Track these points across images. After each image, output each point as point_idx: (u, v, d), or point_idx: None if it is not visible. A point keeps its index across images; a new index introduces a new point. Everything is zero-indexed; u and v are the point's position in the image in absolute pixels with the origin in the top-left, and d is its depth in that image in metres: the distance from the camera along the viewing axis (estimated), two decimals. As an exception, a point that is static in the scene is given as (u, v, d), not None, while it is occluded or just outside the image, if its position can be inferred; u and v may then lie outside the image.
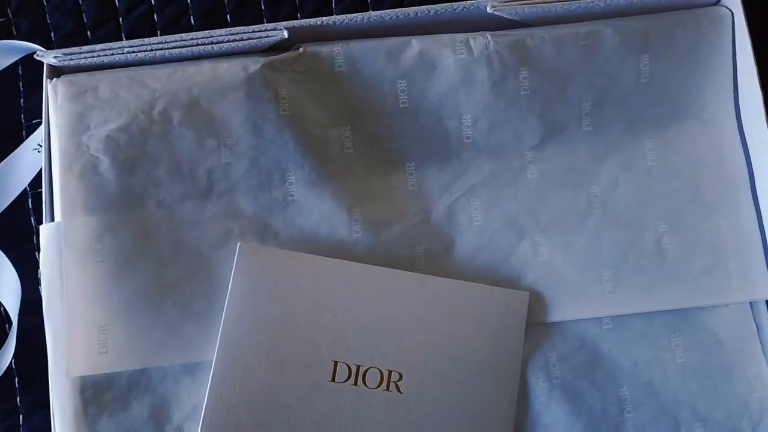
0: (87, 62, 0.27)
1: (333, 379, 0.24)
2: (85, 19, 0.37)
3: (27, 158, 0.35)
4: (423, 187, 0.28)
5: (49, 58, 0.27)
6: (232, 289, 0.25)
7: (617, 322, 0.27)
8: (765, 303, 0.27)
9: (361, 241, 0.27)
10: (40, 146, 0.35)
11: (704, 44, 0.27)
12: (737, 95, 0.28)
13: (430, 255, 0.27)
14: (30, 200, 0.36)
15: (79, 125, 0.26)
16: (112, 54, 0.27)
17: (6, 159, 0.35)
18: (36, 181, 0.36)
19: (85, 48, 0.27)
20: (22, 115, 0.37)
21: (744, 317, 0.27)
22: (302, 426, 0.24)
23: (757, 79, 0.26)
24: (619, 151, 0.28)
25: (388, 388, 0.24)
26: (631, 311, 0.27)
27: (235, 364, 0.24)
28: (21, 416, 0.34)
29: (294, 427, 0.24)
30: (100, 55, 0.27)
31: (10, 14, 0.37)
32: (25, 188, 0.36)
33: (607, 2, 0.27)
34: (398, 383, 0.24)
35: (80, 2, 0.37)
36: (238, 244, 0.24)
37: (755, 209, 0.27)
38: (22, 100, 0.37)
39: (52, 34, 0.37)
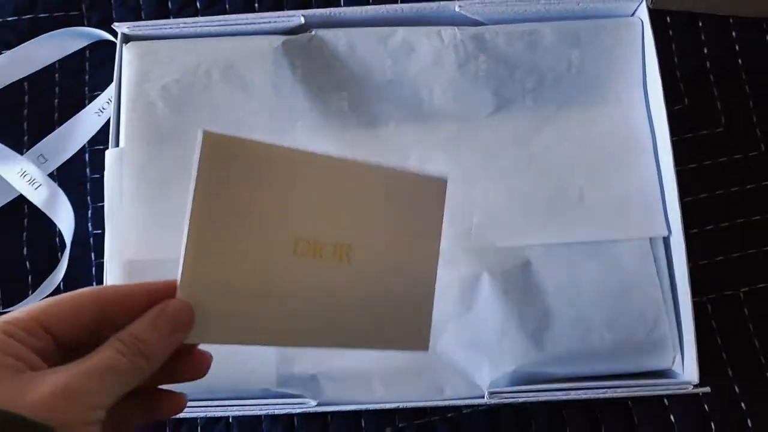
0: (152, 33, 0.36)
1: (295, 252, 0.26)
2: (143, 16, 0.46)
3: (88, 119, 0.44)
4: (401, 140, 0.36)
5: (123, 27, 0.35)
6: (199, 176, 0.25)
7: (546, 249, 0.34)
8: (661, 239, 0.34)
9: (350, 178, 0.35)
10: (101, 110, 0.44)
11: (621, 45, 0.36)
12: (645, 84, 0.36)
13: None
14: (87, 155, 0.44)
15: (142, 77, 0.35)
16: (171, 28, 0.36)
17: (71, 119, 0.44)
18: (93, 139, 0.44)
19: (150, 22, 0.36)
20: (86, 88, 0.45)
21: (644, 249, 0.34)
22: (270, 294, 0.26)
23: (658, 72, 0.34)
24: (554, 123, 0.36)
25: (341, 258, 0.27)
26: (557, 241, 0.34)
27: (208, 245, 0.25)
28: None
29: (263, 295, 0.26)
30: (161, 28, 0.36)
31: (83, 8, 0.46)
32: (84, 144, 0.44)
33: (547, 9, 0.36)
34: (349, 254, 0.27)
35: (140, 1, 0.46)
36: (201, 131, 0.25)
37: (657, 169, 0.35)
38: (87, 76, 0.45)
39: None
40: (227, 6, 0.46)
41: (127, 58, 0.35)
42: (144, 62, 0.35)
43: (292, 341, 0.29)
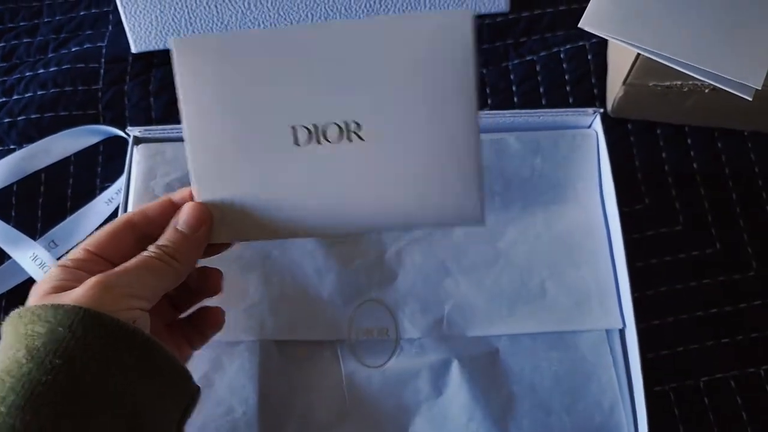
0: (160, 136, 0.40)
1: (297, 143, 0.24)
2: (153, 115, 0.51)
3: (98, 208, 0.48)
4: (381, 236, 0.39)
5: (135, 131, 0.40)
6: (182, 85, 0.24)
7: (512, 339, 0.37)
8: (617, 331, 0.37)
9: (332, 270, 0.38)
10: (110, 200, 0.48)
11: (578, 152, 0.40)
12: (601, 186, 0.40)
13: (381, 282, 0.39)
14: (94, 240, 0.48)
15: (149, 175, 0.39)
16: (177, 132, 0.40)
17: (84, 207, 0.48)
18: (101, 225, 0.48)
19: (159, 126, 0.40)
20: (98, 179, 0.50)
21: (601, 340, 0.37)
22: (281, 189, 0.25)
23: (611, 176, 0.38)
24: (518, 221, 0.40)
25: (349, 139, 0.24)
26: (521, 331, 0.37)
27: (209, 149, 0.25)
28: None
29: (274, 191, 0.25)
30: (169, 132, 0.40)
31: (100, 108, 0.51)
32: (93, 230, 0.48)
33: (511, 120, 0.40)
34: (358, 132, 0.24)
35: (151, 103, 0.51)
36: (171, 39, 0.24)
37: (612, 265, 0.39)
38: (99, 169, 0.50)
39: (128, 123, 0.51)
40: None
41: (137, 158, 0.39)
42: (151, 162, 0.39)
43: (316, 231, 0.26)
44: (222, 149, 0.25)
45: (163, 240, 0.28)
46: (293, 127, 0.24)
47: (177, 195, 0.30)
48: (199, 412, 0.34)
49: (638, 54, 0.41)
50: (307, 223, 0.25)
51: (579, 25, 0.38)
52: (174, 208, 0.30)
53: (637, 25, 0.38)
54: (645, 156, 0.49)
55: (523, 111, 0.40)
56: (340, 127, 0.24)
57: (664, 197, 0.48)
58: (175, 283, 0.28)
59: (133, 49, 0.50)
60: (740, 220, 0.47)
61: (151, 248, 0.28)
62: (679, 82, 0.43)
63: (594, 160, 0.40)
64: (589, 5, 0.38)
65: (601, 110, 0.40)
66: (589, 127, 0.41)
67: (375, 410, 0.36)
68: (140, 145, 0.40)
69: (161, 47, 0.49)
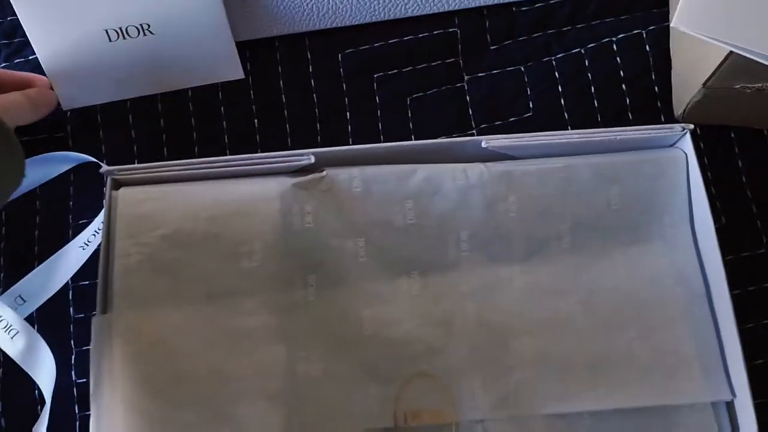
0: (144, 176, 0.32)
1: (110, 40, 0.38)
2: (133, 134, 0.43)
3: (73, 254, 0.39)
4: (425, 292, 0.32)
5: (114, 173, 0.32)
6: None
7: (596, 418, 0.30)
8: (724, 404, 0.31)
9: (369, 338, 0.31)
10: (87, 244, 0.40)
11: (663, 179, 0.33)
12: (693, 222, 0.33)
13: (429, 352, 0.31)
14: (71, 292, 0.40)
15: (133, 233, 0.31)
16: (166, 171, 0.32)
17: (56, 254, 0.40)
18: (77, 274, 0.40)
19: (143, 165, 0.32)
20: (70, 216, 0.41)
21: (706, 417, 0.30)
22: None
23: (708, 209, 0.31)
24: (594, 268, 0.32)
25: (144, 35, 0.39)
26: (607, 407, 0.30)
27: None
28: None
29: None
30: (156, 172, 0.32)
31: (69, 130, 0.43)
32: (68, 281, 0.40)
33: (581, 141, 0.32)
34: (150, 30, 0.39)
35: (130, 119, 0.43)
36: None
37: (713, 321, 0.31)
38: (71, 203, 0.42)
39: (103, 146, 0.43)
40: (225, 123, 0.43)
41: (118, 207, 0.31)
42: (136, 212, 0.31)
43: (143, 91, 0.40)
44: None
45: None
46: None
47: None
48: None
49: (729, 52, 0.34)
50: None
51: (672, 25, 0.30)
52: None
53: (737, 21, 0.30)
54: (719, 167, 0.42)
55: (593, 131, 0.33)
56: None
57: (744, 215, 0.41)
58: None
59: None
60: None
61: None
62: (774, 84, 0.36)
63: (683, 189, 0.32)
64: (681, 2, 0.30)
65: (691, 127, 0.32)
66: (673, 145, 0.33)
67: None
68: (120, 191, 0.32)
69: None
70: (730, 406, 0.31)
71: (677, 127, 0.32)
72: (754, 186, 0.41)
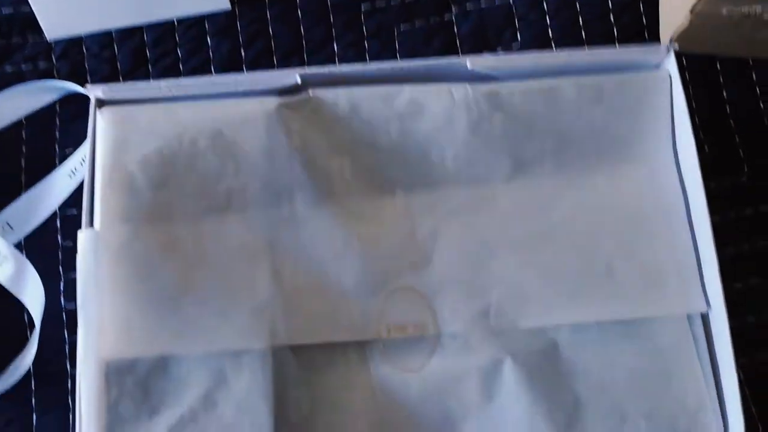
0: (129, 96, 0.32)
1: None
2: (119, 66, 0.43)
3: (60, 182, 0.40)
4: (410, 209, 0.32)
5: (97, 91, 0.32)
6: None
7: (575, 330, 0.31)
8: (699, 316, 0.31)
9: (354, 254, 0.31)
10: (74, 172, 0.40)
11: (647, 99, 0.33)
12: (675, 144, 0.33)
13: (413, 268, 0.32)
14: (58, 220, 0.40)
15: (119, 147, 0.31)
16: (151, 91, 0.32)
17: (43, 180, 0.40)
18: (65, 203, 0.40)
19: (127, 84, 0.32)
20: (57, 145, 0.41)
21: (682, 328, 0.31)
22: None
23: (690, 130, 0.32)
24: (577, 187, 0.33)
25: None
26: (585, 320, 0.31)
27: None
28: (35, 416, 0.37)
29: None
30: (141, 91, 0.32)
31: (54, 59, 0.42)
32: (56, 209, 0.40)
33: (566, 62, 0.32)
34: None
35: (116, 51, 0.43)
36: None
37: (691, 237, 0.32)
38: (57, 133, 0.42)
39: (89, 77, 0.43)
40: (211, 54, 0.42)
41: (102, 125, 0.31)
42: (121, 131, 0.31)
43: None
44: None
45: None
46: None
47: None
48: (201, 441, 0.28)
49: (715, -25, 0.34)
50: None
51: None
52: None
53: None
54: (704, 96, 0.42)
55: (578, 50, 0.33)
56: None
57: (727, 144, 0.41)
58: None
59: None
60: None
61: None
62: (759, 8, 0.36)
63: (667, 110, 0.33)
64: None
65: (676, 46, 0.32)
66: (658, 66, 0.34)
67: (414, 423, 0.30)
68: (105, 109, 0.32)
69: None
70: (705, 319, 0.31)
71: (662, 46, 0.32)
72: (738, 116, 0.42)
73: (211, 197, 0.31)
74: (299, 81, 0.32)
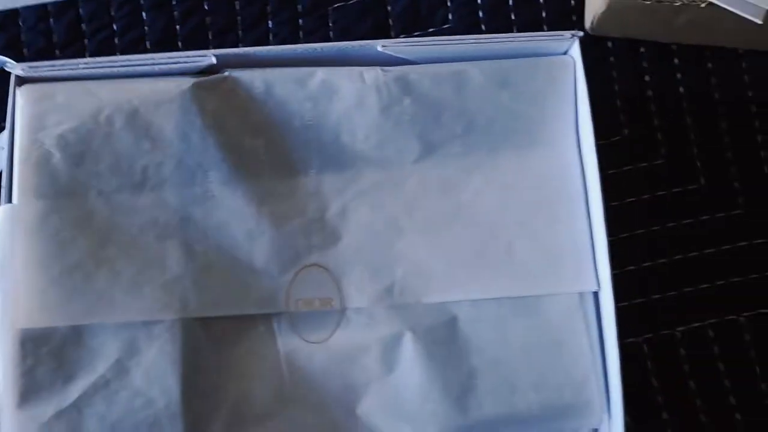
0: (49, 74, 0.33)
1: None
2: (55, 39, 0.43)
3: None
4: (321, 189, 0.34)
5: (17, 69, 0.32)
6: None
7: (473, 306, 0.33)
8: (591, 294, 0.33)
9: (265, 232, 0.33)
10: (2, 148, 0.41)
11: (553, 85, 0.34)
12: (578, 127, 0.34)
13: (321, 247, 0.33)
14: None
15: (36, 125, 0.32)
16: (70, 69, 0.33)
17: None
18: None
19: (47, 62, 0.33)
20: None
21: (573, 305, 0.33)
22: None
23: (590, 117, 0.33)
24: (483, 169, 0.34)
25: None
26: (484, 297, 0.33)
27: None
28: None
29: None
30: (60, 69, 0.33)
31: (-13, 31, 0.43)
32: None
33: (476, 48, 0.33)
34: None
35: (51, 24, 0.43)
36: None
37: (587, 220, 0.34)
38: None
39: (25, 50, 0.43)
40: (146, 29, 0.43)
41: (20, 102, 0.32)
42: (39, 108, 0.32)
43: None
44: None
45: None
46: None
47: None
48: (111, 405, 0.30)
49: (625, -37, 0.34)
50: None
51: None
52: None
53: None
54: (626, 80, 0.43)
55: (487, 36, 0.34)
56: None
57: (646, 127, 0.43)
58: None
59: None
60: (729, 153, 0.42)
61: None
62: (671, -4, 0.37)
63: (571, 94, 0.34)
64: None
65: (581, 34, 0.33)
66: (566, 53, 0.35)
67: (318, 392, 0.32)
68: (24, 87, 0.33)
69: None
70: (595, 297, 0.33)
71: (567, 33, 0.33)
72: (658, 99, 0.43)
73: (126, 175, 0.32)
74: (215, 61, 0.33)
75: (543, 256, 0.33)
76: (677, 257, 0.42)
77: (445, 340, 0.32)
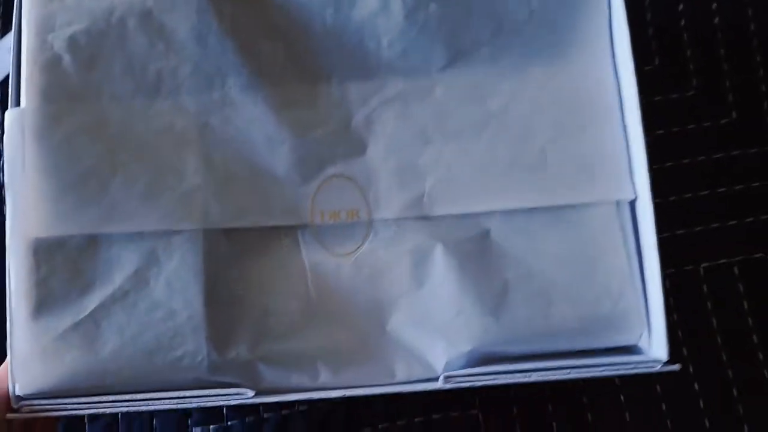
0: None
1: None
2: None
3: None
4: (345, 98, 0.32)
5: (21, -31, 0.31)
6: None
7: (505, 217, 0.31)
8: (628, 205, 0.32)
9: (287, 140, 0.31)
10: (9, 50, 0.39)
11: (585, -8, 0.32)
12: (612, 35, 0.33)
13: (347, 155, 0.32)
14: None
15: (45, 25, 0.30)
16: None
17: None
18: (5, 80, 0.39)
19: (54, -39, 0.31)
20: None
21: (610, 214, 0.31)
22: None
23: (626, 25, 0.31)
24: (513, 77, 0.32)
25: None
26: (517, 206, 0.31)
27: None
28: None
29: None
30: (67, -31, 0.31)
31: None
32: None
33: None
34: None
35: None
36: None
37: (623, 128, 0.32)
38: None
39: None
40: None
41: (27, 4, 0.30)
42: (47, 8, 0.30)
43: None
44: None
45: None
46: None
47: None
48: (130, 316, 0.28)
49: None
50: None
51: None
52: None
53: None
54: (659, 8, 0.42)
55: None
56: None
57: (678, 58, 0.41)
58: None
59: None
60: (763, 86, 0.41)
61: None
62: None
63: (604, 4, 0.32)
64: None
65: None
66: (600, -42, 0.33)
67: (345, 307, 0.31)
68: (30, -15, 0.31)
69: None
70: (632, 206, 0.32)
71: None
72: (692, 29, 0.42)
73: (140, 79, 0.31)
74: (233, -37, 0.31)
75: (577, 164, 0.32)
76: (704, 192, 0.41)
77: (477, 253, 0.31)
